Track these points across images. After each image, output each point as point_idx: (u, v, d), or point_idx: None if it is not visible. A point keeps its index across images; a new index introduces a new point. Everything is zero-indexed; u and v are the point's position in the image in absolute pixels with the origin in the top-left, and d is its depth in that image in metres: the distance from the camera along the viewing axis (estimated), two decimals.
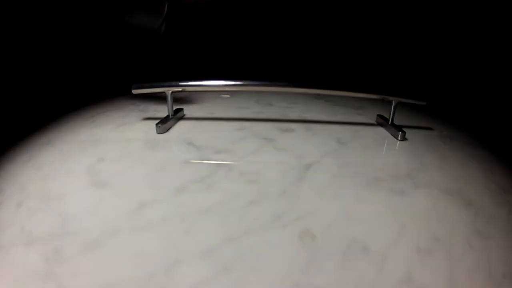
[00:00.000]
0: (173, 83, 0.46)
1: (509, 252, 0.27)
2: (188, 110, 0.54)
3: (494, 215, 0.31)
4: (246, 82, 0.45)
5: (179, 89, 0.46)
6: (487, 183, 0.37)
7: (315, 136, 0.45)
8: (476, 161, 0.42)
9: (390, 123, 0.48)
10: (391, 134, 0.47)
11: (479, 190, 0.35)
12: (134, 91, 0.47)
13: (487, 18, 0.84)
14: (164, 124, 0.45)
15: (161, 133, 0.45)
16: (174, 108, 0.49)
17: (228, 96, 0.64)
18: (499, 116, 0.71)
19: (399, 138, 0.45)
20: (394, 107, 0.47)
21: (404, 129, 0.46)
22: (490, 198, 0.34)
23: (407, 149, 0.43)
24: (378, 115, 0.52)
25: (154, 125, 0.45)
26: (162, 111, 0.53)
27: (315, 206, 0.30)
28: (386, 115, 0.50)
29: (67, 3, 0.84)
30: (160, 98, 0.61)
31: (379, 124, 0.51)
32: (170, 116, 0.48)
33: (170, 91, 0.47)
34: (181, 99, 0.61)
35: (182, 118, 0.51)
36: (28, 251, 0.25)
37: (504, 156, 0.45)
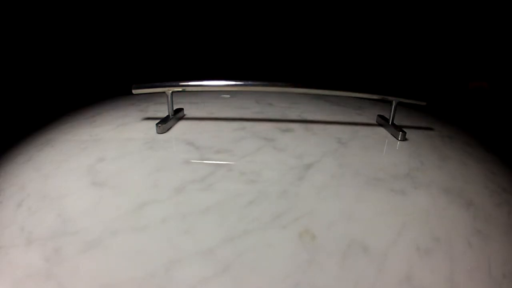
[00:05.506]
0: (173, 83, 0.46)
1: (509, 252, 0.27)
2: (188, 110, 0.54)
3: (494, 214, 0.31)
4: (246, 82, 0.45)
5: (179, 89, 0.46)
6: (487, 183, 0.37)
7: (315, 136, 0.45)
8: (476, 161, 0.42)
9: (390, 123, 0.48)
10: (391, 134, 0.47)
11: (479, 190, 0.35)
12: (134, 91, 0.47)
13: (487, 18, 0.84)
14: (164, 124, 0.45)
15: (161, 133, 0.45)
16: (174, 108, 0.49)
17: (228, 96, 0.64)
18: (499, 116, 0.71)
19: (399, 138, 0.45)
20: (394, 107, 0.47)
21: (404, 129, 0.46)
22: (490, 198, 0.34)
23: (407, 149, 0.43)
24: (378, 115, 0.52)
25: (154, 125, 0.45)
26: (162, 111, 0.53)
27: (315, 206, 0.30)
28: (386, 115, 0.50)
29: (67, 3, 0.84)
30: (160, 98, 0.61)
31: (379, 124, 0.51)
32: (170, 116, 0.48)
33: (170, 91, 0.47)
34: (181, 99, 0.61)
35: (182, 118, 0.51)
36: (28, 251, 0.25)
37: (504, 156, 0.45)
